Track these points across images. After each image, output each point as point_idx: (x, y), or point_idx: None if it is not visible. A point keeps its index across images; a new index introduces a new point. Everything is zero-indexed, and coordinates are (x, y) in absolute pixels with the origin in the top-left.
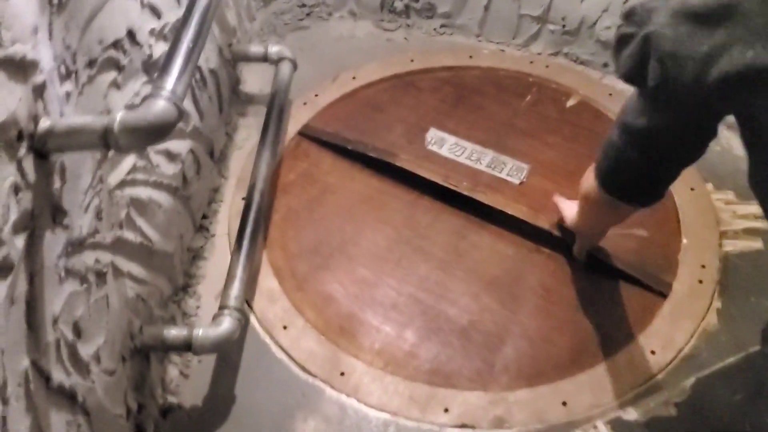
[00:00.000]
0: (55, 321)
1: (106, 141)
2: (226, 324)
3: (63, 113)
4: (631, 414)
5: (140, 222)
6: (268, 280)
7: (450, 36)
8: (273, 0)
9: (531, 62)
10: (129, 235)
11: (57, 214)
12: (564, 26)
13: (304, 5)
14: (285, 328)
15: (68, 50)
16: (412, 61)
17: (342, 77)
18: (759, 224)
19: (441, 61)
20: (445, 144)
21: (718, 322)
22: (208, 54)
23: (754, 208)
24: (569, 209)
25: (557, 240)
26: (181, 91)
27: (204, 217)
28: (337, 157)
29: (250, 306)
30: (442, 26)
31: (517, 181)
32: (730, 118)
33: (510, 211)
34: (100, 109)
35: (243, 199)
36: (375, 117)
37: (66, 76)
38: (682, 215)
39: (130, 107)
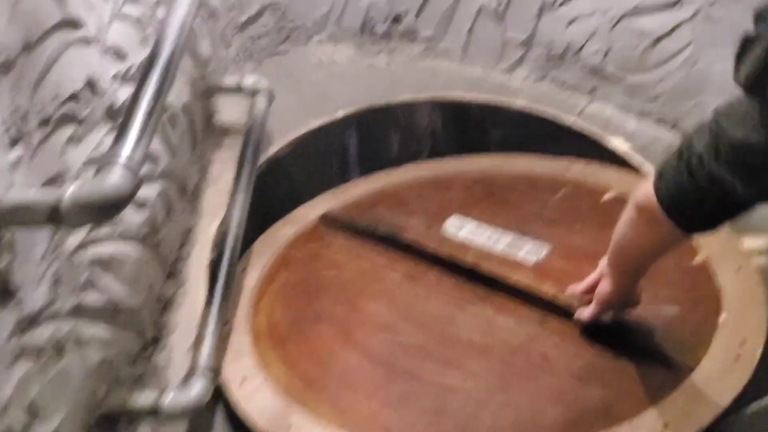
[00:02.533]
0: (5, 407)
1: (54, 219)
2: (198, 386)
3: (12, 183)
4: None
5: (105, 281)
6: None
7: (432, 61)
8: (250, 24)
9: (566, 167)
10: (92, 298)
11: (5, 292)
12: (550, 51)
13: (282, 28)
14: (242, 382)
15: (17, 112)
16: (446, 163)
17: (374, 177)
18: (760, 261)
19: (475, 164)
20: (464, 228)
21: None
22: (179, 88)
23: (751, 243)
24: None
25: (564, 309)
26: (139, 156)
27: (177, 260)
28: (349, 237)
29: None
30: (425, 50)
31: (533, 260)
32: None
33: (512, 281)
34: (56, 170)
35: (217, 237)
36: (396, 208)
37: (15, 140)
38: (724, 294)
39: (82, 180)
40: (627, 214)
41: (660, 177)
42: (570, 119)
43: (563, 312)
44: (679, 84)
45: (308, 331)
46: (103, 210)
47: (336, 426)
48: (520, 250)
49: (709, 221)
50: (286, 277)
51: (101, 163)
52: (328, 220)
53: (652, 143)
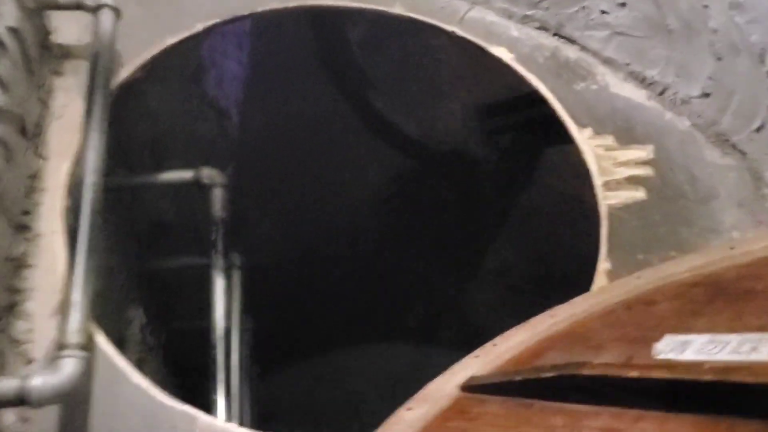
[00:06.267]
0: None
1: None
2: (68, 368)
3: None
4: None
5: None
6: None
7: None
8: None
9: None
10: None
11: None
12: None
13: None
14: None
15: None
16: (638, 278)
17: (527, 325)
18: (640, 171)
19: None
20: (689, 347)
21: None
22: (2, 9)
23: (634, 153)
24: None
25: None
26: None
27: (24, 213)
28: (507, 403)
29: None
30: None
31: None
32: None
33: None
34: None
35: (70, 184)
36: (574, 349)
37: None
38: None
39: None
40: None
41: None
42: (449, 28)
43: None
44: None
45: None
46: None
47: None
48: None
49: None
50: None
51: None
52: (473, 388)
53: (535, 51)
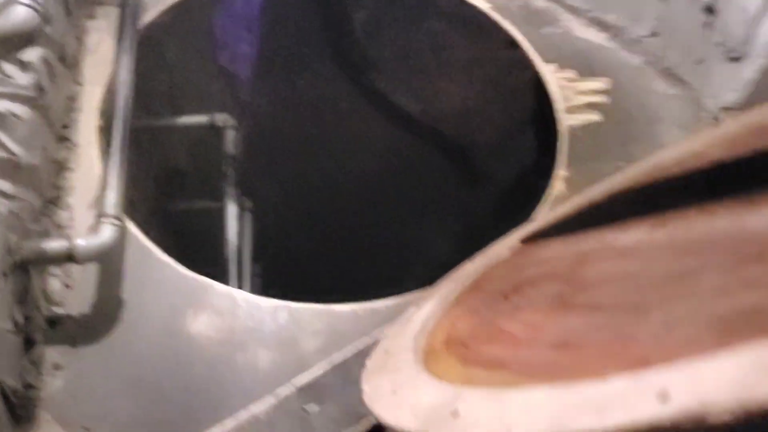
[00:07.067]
0: None
1: None
2: (108, 232)
3: None
4: None
5: (2, 137)
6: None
7: None
8: None
9: None
10: None
11: None
12: None
13: None
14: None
15: None
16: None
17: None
18: (597, 98)
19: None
20: None
21: (565, 188)
22: None
23: (593, 84)
24: None
25: None
26: None
27: (64, 126)
28: (567, 240)
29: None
30: None
31: None
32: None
33: None
34: None
35: (102, 107)
36: None
37: None
38: None
39: None
40: None
41: None
42: None
43: None
44: None
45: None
46: (12, 42)
47: None
48: None
49: None
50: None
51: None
52: (530, 239)
53: (508, 2)
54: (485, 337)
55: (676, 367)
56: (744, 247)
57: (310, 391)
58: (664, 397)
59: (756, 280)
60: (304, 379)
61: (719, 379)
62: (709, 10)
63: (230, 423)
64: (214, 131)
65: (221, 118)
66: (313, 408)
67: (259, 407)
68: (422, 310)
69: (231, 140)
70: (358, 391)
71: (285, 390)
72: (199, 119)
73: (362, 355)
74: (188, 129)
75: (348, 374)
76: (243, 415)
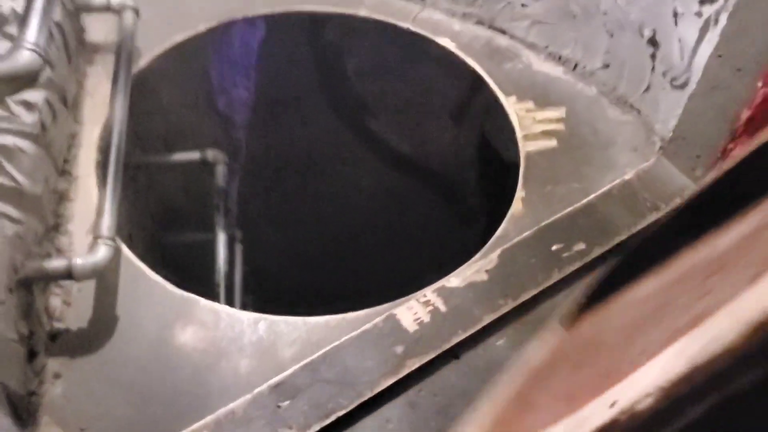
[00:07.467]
0: None
1: None
2: (103, 251)
3: None
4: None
5: (9, 168)
6: None
7: None
8: None
9: None
10: (1, 180)
11: None
12: None
13: None
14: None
15: None
16: None
17: None
18: (553, 126)
19: None
20: None
21: (522, 207)
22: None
23: (549, 113)
24: None
25: None
26: (43, 42)
27: (65, 161)
28: None
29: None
30: None
31: None
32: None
33: None
34: None
35: (100, 144)
36: None
37: None
38: None
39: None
40: None
41: None
42: (405, 25)
43: None
44: None
45: None
46: (17, 82)
47: None
48: None
49: None
50: None
51: (10, 47)
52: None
53: (473, 41)
54: None
55: (627, 379)
56: (711, 265)
57: (282, 388)
58: (613, 405)
59: (712, 288)
60: (277, 378)
61: (648, 374)
62: (653, 42)
63: (211, 419)
64: (206, 167)
65: (212, 154)
66: (284, 403)
67: (236, 403)
68: None
69: (221, 174)
70: (326, 387)
71: (260, 389)
72: (191, 156)
73: (329, 356)
74: (181, 165)
75: (316, 373)
76: (222, 412)
